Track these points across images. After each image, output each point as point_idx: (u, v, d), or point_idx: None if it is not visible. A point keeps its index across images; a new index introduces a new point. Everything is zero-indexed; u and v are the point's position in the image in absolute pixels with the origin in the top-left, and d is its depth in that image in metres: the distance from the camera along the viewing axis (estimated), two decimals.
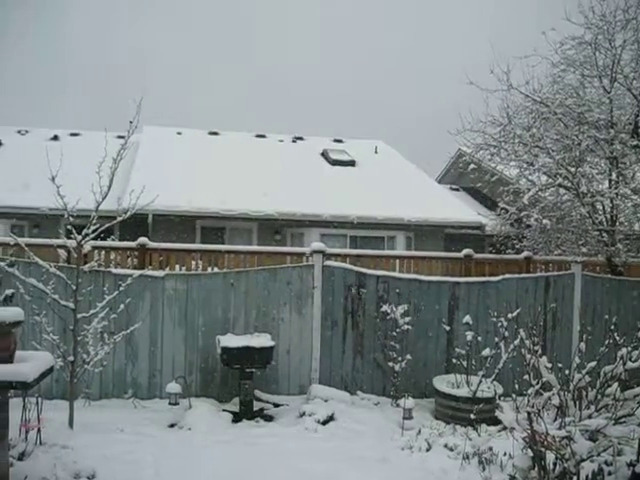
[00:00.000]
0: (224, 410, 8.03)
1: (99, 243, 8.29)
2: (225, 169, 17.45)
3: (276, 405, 8.41)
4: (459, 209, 17.34)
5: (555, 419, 5.38)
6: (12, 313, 4.44)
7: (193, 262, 9.41)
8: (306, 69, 66.19)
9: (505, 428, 5.87)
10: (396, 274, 9.41)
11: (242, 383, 7.95)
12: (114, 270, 8.50)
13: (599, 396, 5.40)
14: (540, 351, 5.85)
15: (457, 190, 22.22)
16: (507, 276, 9.61)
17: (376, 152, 21.33)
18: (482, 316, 9.06)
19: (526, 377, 5.71)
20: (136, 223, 13.20)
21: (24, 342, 7.52)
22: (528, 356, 5.76)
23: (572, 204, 10.58)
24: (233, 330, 8.58)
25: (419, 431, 7.24)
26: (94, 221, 6.68)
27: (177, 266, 9.32)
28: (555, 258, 10.96)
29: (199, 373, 8.61)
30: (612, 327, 5.93)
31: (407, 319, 8.57)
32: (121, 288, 7.21)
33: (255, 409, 8.05)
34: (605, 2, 9.99)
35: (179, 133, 21.26)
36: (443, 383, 8.26)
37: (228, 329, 8.58)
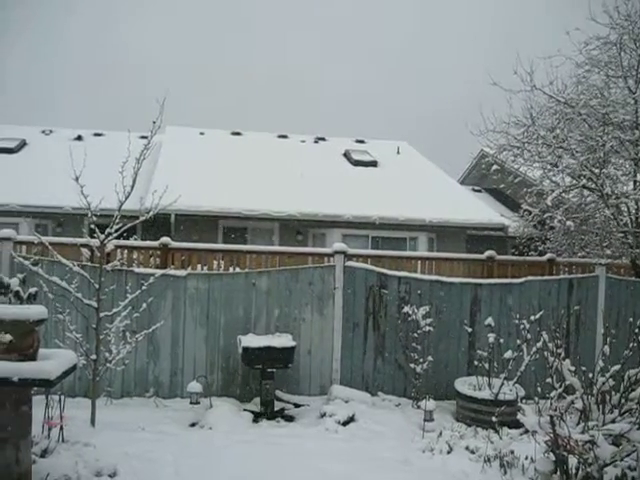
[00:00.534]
0: (245, 410, 8.04)
1: (122, 242, 8.36)
2: (247, 169, 17.48)
3: (297, 405, 8.41)
4: (481, 210, 17.23)
5: (578, 423, 5.32)
6: (36, 311, 4.48)
7: (215, 262, 9.43)
8: (313, 69, 66.14)
9: (527, 431, 5.80)
10: (418, 275, 9.38)
11: (263, 383, 7.96)
12: (136, 269, 8.55)
13: (623, 400, 5.34)
14: (563, 354, 5.80)
15: (479, 191, 22.09)
16: (530, 278, 9.54)
17: (398, 153, 21.25)
18: (504, 318, 9.00)
19: (549, 380, 5.66)
20: (158, 223, 13.26)
21: (47, 340, 7.59)
22: (551, 359, 5.71)
23: (596, 206, 10.47)
24: (254, 330, 8.59)
25: (440, 433, 7.21)
26: (117, 220, 6.72)
27: (199, 266, 9.34)
28: (579, 260, 10.85)
29: (220, 373, 8.64)
30: (637, 330, 5.86)
31: (429, 320, 8.54)
32: (143, 287, 7.25)
33: (276, 409, 8.05)
34: (630, 2, 9.88)
35: (202, 133, 21.33)
36: (464, 385, 8.21)
37: (249, 329, 8.59)
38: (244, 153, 19.17)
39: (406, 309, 8.66)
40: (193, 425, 7.46)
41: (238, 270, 9.15)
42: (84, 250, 7.35)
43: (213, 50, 67.27)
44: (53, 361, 4.42)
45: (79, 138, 20.97)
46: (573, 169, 10.36)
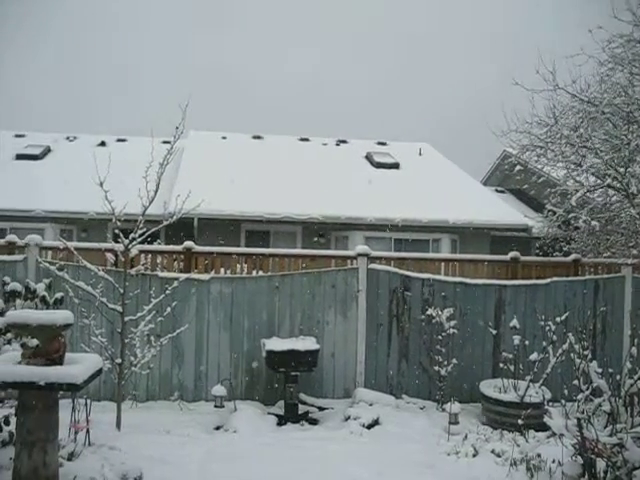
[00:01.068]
0: (269, 413, 8.05)
1: (146, 247, 8.43)
2: (269, 173, 17.53)
3: (321, 408, 8.40)
4: (505, 211, 17.12)
5: (606, 426, 5.26)
6: (62, 316, 4.51)
7: (238, 265, 9.45)
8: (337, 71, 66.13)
9: (554, 434, 5.76)
10: (441, 277, 9.33)
11: (287, 386, 7.96)
12: (160, 273, 8.60)
13: None
14: (590, 356, 5.75)
15: (502, 192, 21.96)
16: (555, 279, 9.45)
17: (420, 154, 21.19)
18: (529, 320, 8.92)
19: (575, 382, 5.61)
20: (182, 227, 13.34)
21: (73, 344, 7.68)
22: (577, 361, 5.65)
23: (621, 205, 10.35)
24: (278, 333, 8.60)
25: (465, 436, 7.16)
26: (141, 225, 6.76)
27: (222, 269, 9.37)
28: (604, 260, 10.72)
29: (244, 376, 8.66)
30: None
31: (453, 323, 8.49)
32: (167, 291, 7.29)
33: (300, 412, 8.05)
34: None
35: (224, 137, 21.43)
36: (490, 388, 8.16)
37: (273, 332, 8.61)
38: (266, 157, 19.23)
39: (430, 311, 8.62)
40: (218, 428, 7.48)
41: (261, 273, 9.17)
42: (109, 255, 7.42)
43: (234, 53, 67.58)
44: (79, 365, 4.45)
45: (103, 144, 21.18)
46: (597, 168, 10.25)
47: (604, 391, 5.33)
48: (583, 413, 5.12)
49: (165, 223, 7.10)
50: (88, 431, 5.77)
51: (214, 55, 64.63)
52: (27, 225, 15.18)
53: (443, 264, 10.09)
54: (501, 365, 8.22)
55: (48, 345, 4.43)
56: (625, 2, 9.86)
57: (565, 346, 6.88)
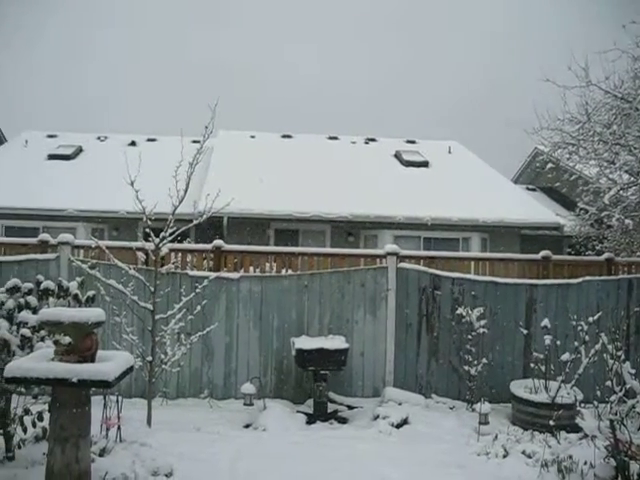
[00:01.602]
0: (298, 411, 8.06)
1: (176, 246, 8.50)
2: (298, 171, 17.57)
3: (350, 407, 8.39)
4: (536, 209, 16.97)
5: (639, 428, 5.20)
6: (94, 314, 4.55)
7: (267, 264, 9.48)
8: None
9: (586, 436, 5.70)
10: (471, 276, 9.26)
11: (316, 385, 7.97)
12: (190, 272, 8.66)
13: None
14: (623, 356, 5.67)
15: (533, 190, 21.76)
16: (587, 278, 9.31)
17: (450, 152, 21.08)
18: (561, 319, 8.81)
19: (608, 383, 5.54)
20: (211, 226, 13.44)
21: (105, 342, 7.75)
22: (610, 361, 5.59)
23: None
24: (307, 332, 8.61)
25: (496, 437, 7.09)
26: (171, 224, 6.81)
27: (251, 268, 9.41)
28: (638, 260, 10.58)
29: (274, 374, 8.68)
30: None
31: (483, 322, 8.42)
32: (197, 290, 7.34)
33: (329, 411, 8.05)
34: None
35: (252, 137, 21.51)
36: (520, 388, 8.08)
37: (302, 331, 8.62)
38: (294, 155, 19.27)
39: (460, 310, 8.57)
40: (247, 426, 7.51)
41: (290, 272, 9.19)
42: (139, 254, 7.48)
43: (259, 51, 67.73)
44: (111, 363, 4.50)
45: (133, 144, 21.38)
46: (631, 166, 10.14)
47: (638, 392, 5.26)
48: (616, 414, 5.06)
49: (195, 222, 7.14)
50: (119, 428, 5.83)
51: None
52: (59, 224, 15.41)
53: (473, 263, 10.03)
54: (532, 365, 8.13)
55: (80, 342, 4.48)
56: None
57: (598, 346, 6.80)
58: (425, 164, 19.48)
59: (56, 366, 4.34)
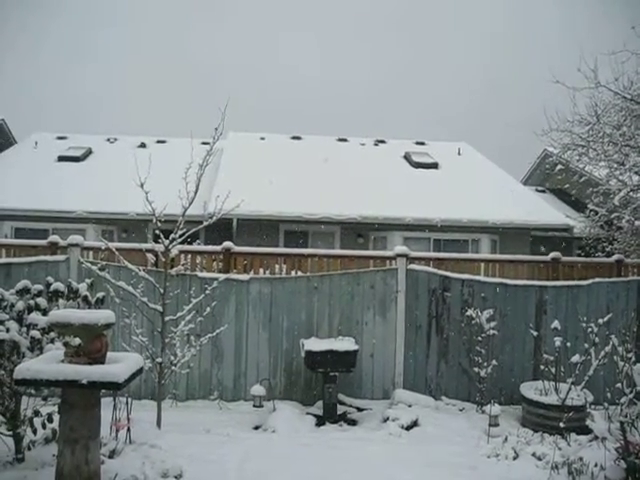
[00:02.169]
0: (308, 413, 8.05)
1: (186, 247, 8.50)
2: (308, 173, 17.58)
3: (359, 409, 8.37)
4: (545, 211, 16.90)
5: None
6: (104, 315, 4.56)
7: (277, 266, 9.48)
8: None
9: (596, 438, 5.66)
10: (481, 278, 9.23)
11: (326, 387, 7.96)
12: (200, 274, 8.66)
13: None
14: (633, 358, 5.64)
15: (543, 192, 21.70)
16: (597, 280, 9.26)
17: (459, 154, 21.04)
18: (571, 321, 8.77)
19: (618, 385, 5.50)
20: (221, 227, 13.43)
21: (114, 343, 7.77)
22: (621, 363, 5.55)
23: None
24: (317, 334, 8.60)
25: (505, 439, 7.07)
26: (181, 226, 6.81)
27: (261, 270, 9.41)
28: None
29: (283, 376, 8.68)
30: None
31: (493, 324, 8.39)
32: (207, 291, 7.33)
33: (339, 413, 8.04)
34: None
35: (262, 138, 21.52)
36: (530, 390, 8.05)
37: (312, 332, 8.61)
38: (304, 157, 19.26)
39: (469, 312, 8.54)
40: (257, 428, 7.51)
41: (300, 274, 9.18)
42: (149, 255, 7.48)
43: (266, 52, 67.78)
44: (121, 364, 4.50)
45: (143, 145, 21.45)
46: None
47: None
48: (627, 417, 5.02)
49: (205, 224, 7.15)
50: (129, 429, 5.84)
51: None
52: (69, 226, 15.46)
53: (483, 264, 10.00)
54: (542, 367, 8.10)
55: (90, 344, 4.48)
56: None
57: (608, 348, 6.77)
58: (435, 165, 19.44)
59: (66, 368, 4.35)
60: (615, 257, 10.38)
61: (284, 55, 66.16)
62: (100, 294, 6.12)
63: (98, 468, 4.53)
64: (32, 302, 5.61)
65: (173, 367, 6.96)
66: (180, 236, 6.83)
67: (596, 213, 11.12)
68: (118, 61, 65.05)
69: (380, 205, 15.70)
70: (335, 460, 6.29)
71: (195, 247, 10.00)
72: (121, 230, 16.79)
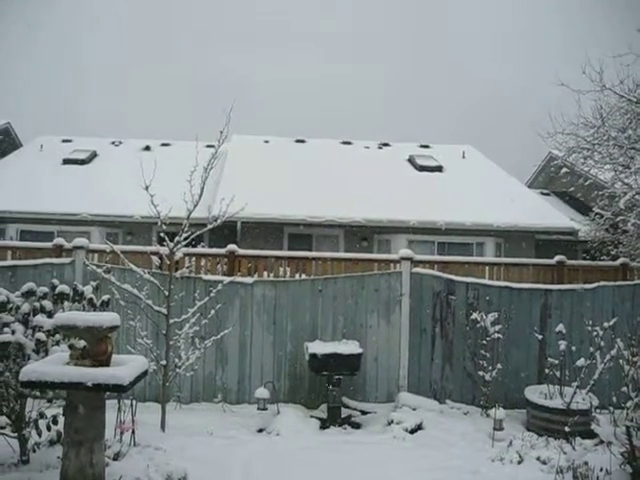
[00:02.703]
0: (312, 416, 8.05)
1: (190, 250, 8.51)
2: (312, 176, 17.58)
3: (364, 412, 8.36)
4: (550, 214, 16.89)
5: None
6: (109, 318, 4.56)
7: (281, 269, 9.49)
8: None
9: (602, 442, 5.64)
10: (486, 281, 9.23)
11: (330, 390, 7.95)
12: (205, 276, 8.67)
13: None
14: (639, 362, 5.62)
15: (548, 195, 21.66)
16: (602, 283, 9.24)
17: (464, 157, 21.03)
18: (576, 325, 8.76)
19: (624, 389, 5.49)
20: (225, 230, 13.46)
21: (119, 346, 7.77)
22: (626, 367, 5.54)
23: None
24: (321, 337, 8.60)
25: (510, 442, 7.05)
26: (185, 229, 6.82)
27: (265, 273, 9.43)
28: None
29: (287, 379, 8.67)
30: None
31: (497, 327, 8.38)
32: (212, 294, 7.35)
33: (343, 416, 8.03)
34: None
35: (266, 141, 21.55)
36: (535, 394, 8.03)
37: (316, 335, 8.61)
38: (308, 160, 19.28)
39: (474, 316, 8.52)
40: (261, 431, 7.50)
41: (304, 277, 9.19)
42: (154, 258, 7.49)
43: (270, 56, 67.79)
44: (125, 367, 4.50)
45: (147, 148, 21.51)
46: None
47: None
48: (632, 421, 5.01)
49: (209, 227, 7.16)
50: (134, 432, 5.85)
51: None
52: (74, 228, 15.51)
53: (487, 268, 10.00)
54: (547, 371, 8.08)
55: (95, 346, 4.49)
56: None
57: (613, 352, 6.75)
58: (439, 169, 19.44)
59: (71, 370, 4.36)
60: (620, 260, 10.36)
61: (288, 59, 66.28)
62: (105, 297, 6.14)
63: (102, 470, 4.53)
64: (37, 304, 5.63)
65: (177, 369, 6.98)
66: (185, 239, 6.84)
67: (601, 216, 11.11)
68: (121, 64, 65.17)
69: (384, 208, 15.70)
70: (339, 463, 6.29)
71: (200, 250, 10.01)
72: (126, 233, 16.83)
